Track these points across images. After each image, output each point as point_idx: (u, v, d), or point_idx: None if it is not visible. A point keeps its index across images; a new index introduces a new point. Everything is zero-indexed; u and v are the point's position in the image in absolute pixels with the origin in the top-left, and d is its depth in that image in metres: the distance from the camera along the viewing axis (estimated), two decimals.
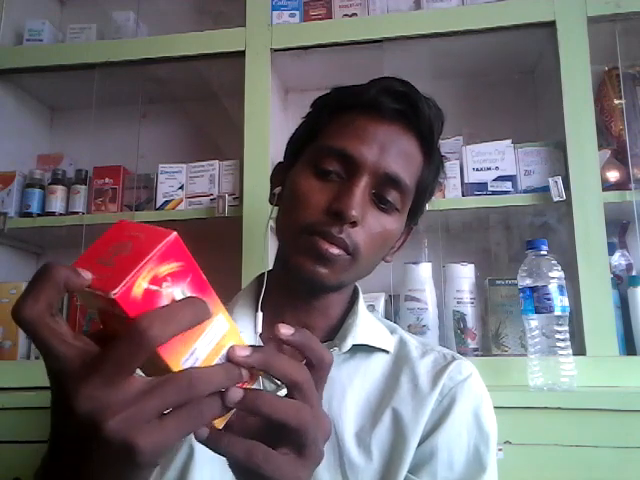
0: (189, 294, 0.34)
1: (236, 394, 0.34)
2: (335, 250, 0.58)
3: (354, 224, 0.58)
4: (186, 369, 0.32)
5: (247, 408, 0.35)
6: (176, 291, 0.33)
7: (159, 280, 0.32)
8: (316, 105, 0.69)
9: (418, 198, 0.66)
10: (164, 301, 0.32)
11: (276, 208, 0.68)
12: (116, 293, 0.30)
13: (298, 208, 0.60)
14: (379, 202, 0.61)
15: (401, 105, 0.61)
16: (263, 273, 0.70)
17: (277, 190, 0.68)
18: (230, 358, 0.35)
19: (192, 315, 0.32)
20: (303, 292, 0.64)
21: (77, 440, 0.31)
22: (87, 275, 0.31)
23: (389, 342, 0.68)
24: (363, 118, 0.62)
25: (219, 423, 0.36)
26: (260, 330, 0.64)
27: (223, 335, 0.35)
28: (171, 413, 0.31)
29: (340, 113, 0.64)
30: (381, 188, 0.61)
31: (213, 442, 0.35)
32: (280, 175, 0.69)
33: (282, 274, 0.66)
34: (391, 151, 0.61)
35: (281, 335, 0.37)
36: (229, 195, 1.18)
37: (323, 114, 0.65)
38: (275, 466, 0.36)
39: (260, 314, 0.65)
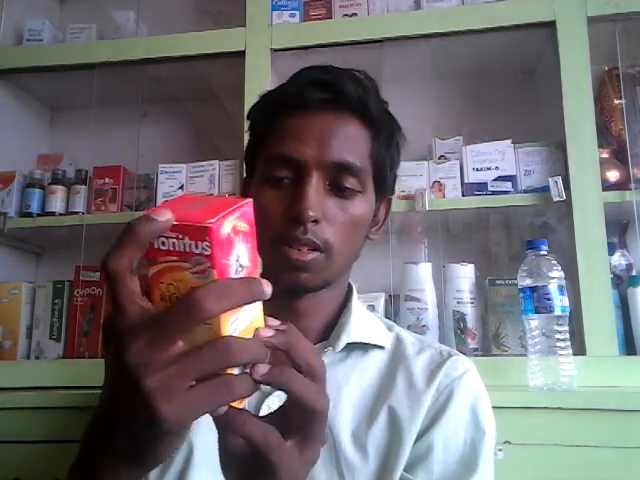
0: (247, 259, 0.37)
1: (263, 368, 0.36)
2: (306, 256, 0.58)
3: (316, 222, 0.58)
4: (225, 336, 0.34)
5: (272, 380, 0.36)
6: (242, 250, 0.36)
7: (237, 232, 0.35)
8: (251, 116, 0.69)
9: (378, 171, 0.65)
10: (234, 254, 0.35)
11: None
12: (212, 223, 0.33)
13: (263, 221, 0.60)
14: (338, 190, 0.61)
15: (326, 93, 0.61)
16: None
17: None
18: (256, 337, 0.37)
19: (247, 294, 0.35)
20: (291, 298, 0.64)
21: (119, 395, 0.34)
22: (166, 215, 0.33)
23: (385, 338, 0.67)
24: (294, 117, 0.62)
25: (238, 404, 0.37)
26: None
27: (255, 317, 0.38)
28: (202, 384, 0.33)
29: (274, 117, 0.64)
30: (334, 178, 0.61)
31: (231, 419, 0.36)
32: (247, 189, 0.69)
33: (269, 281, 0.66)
34: (331, 140, 0.60)
35: (260, 337, 0.37)
36: (229, 195, 1.18)
37: (258, 124, 0.66)
38: (283, 455, 0.37)
39: None
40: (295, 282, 0.59)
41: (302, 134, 0.61)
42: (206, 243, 0.33)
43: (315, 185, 0.59)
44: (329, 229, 0.59)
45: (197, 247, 0.33)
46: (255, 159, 0.66)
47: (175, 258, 0.34)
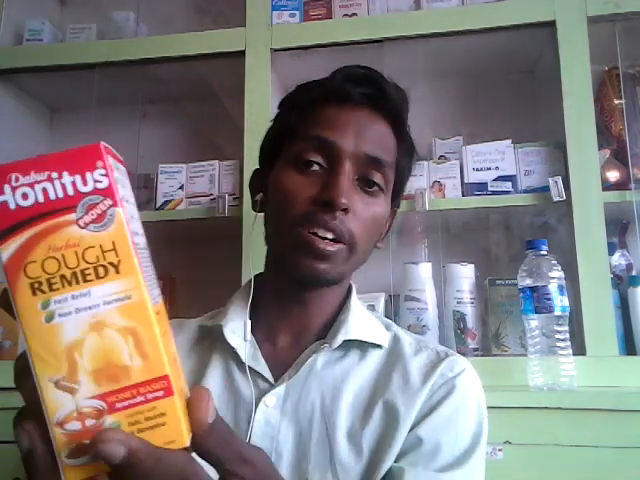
0: (132, 198, 0.29)
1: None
2: (332, 247, 0.59)
3: (345, 211, 0.59)
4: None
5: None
6: (125, 185, 0.28)
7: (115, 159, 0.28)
8: (284, 105, 0.70)
9: (397, 178, 0.67)
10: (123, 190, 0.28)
11: (261, 215, 0.68)
12: (98, 143, 0.25)
13: (286, 204, 0.61)
14: (365, 186, 0.62)
15: (367, 89, 0.63)
16: (258, 275, 0.70)
17: (259, 197, 0.68)
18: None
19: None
20: (302, 289, 0.64)
21: None
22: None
23: (383, 337, 0.67)
24: (333, 107, 0.63)
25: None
26: (249, 337, 0.64)
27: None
28: None
29: (310, 107, 0.64)
30: (364, 171, 0.62)
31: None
32: (259, 181, 0.69)
33: (276, 274, 0.67)
34: (366, 134, 0.62)
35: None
36: (229, 195, 1.18)
37: (293, 111, 0.66)
38: None
39: (248, 322, 0.65)
40: (314, 271, 0.59)
41: (340, 123, 0.62)
42: (100, 172, 0.24)
43: (347, 175, 0.60)
44: (354, 222, 0.60)
45: (86, 182, 0.24)
46: (278, 149, 0.66)
47: (50, 213, 0.24)
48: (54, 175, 0.24)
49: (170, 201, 1.23)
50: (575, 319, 1.01)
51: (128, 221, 0.25)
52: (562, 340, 0.94)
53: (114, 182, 0.24)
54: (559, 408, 0.89)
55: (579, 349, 0.99)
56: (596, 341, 0.98)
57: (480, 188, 1.13)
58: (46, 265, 0.24)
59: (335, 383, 0.62)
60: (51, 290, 0.25)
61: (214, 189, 1.22)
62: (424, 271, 1.12)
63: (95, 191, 0.24)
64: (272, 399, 0.61)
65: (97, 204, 0.24)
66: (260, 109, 1.17)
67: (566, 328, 0.95)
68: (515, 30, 1.15)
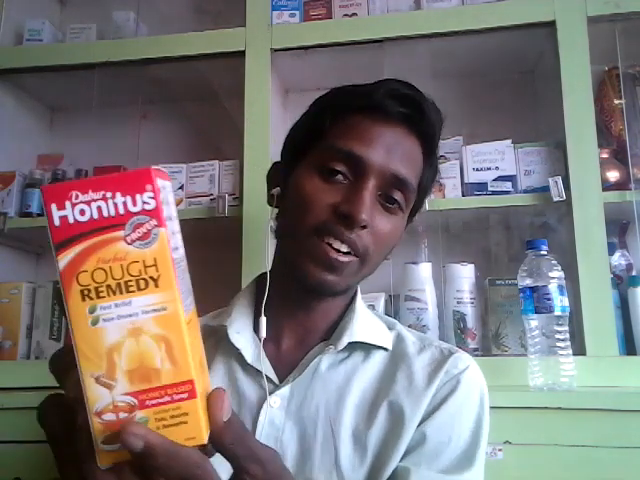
0: (176, 217, 0.32)
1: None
2: (344, 258, 0.59)
3: (364, 227, 0.59)
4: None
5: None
6: (171, 205, 0.31)
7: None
8: (318, 105, 0.68)
9: (418, 198, 0.67)
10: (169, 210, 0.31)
11: (275, 209, 0.68)
12: (148, 168, 0.27)
13: (304, 209, 0.60)
14: (386, 202, 0.62)
15: (407, 109, 0.62)
16: (262, 275, 0.69)
17: (276, 191, 0.67)
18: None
19: None
20: (307, 296, 0.64)
21: None
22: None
23: (387, 339, 0.67)
24: (369, 120, 0.62)
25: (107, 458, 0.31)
26: (264, 334, 0.63)
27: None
28: None
29: (345, 114, 0.63)
30: (387, 189, 0.62)
31: None
32: (278, 175, 0.69)
33: (283, 276, 0.65)
34: (397, 153, 0.61)
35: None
36: (229, 195, 1.18)
37: (326, 115, 0.65)
38: None
39: (264, 319, 0.64)
40: (323, 282, 0.59)
41: (373, 138, 0.61)
42: (148, 194, 0.27)
43: (371, 190, 0.60)
44: (371, 238, 0.60)
45: (135, 203, 0.27)
46: (304, 148, 0.65)
47: (102, 229, 0.27)
48: (108, 195, 0.27)
49: None
50: (575, 319, 1.01)
51: (170, 239, 0.29)
52: (562, 340, 0.94)
53: (160, 204, 0.27)
54: (559, 408, 0.89)
55: (579, 349, 0.99)
56: (596, 341, 0.98)
57: (480, 188, 1.13)
58: (95, 275, 0.27)
59: (339, 384, 0.62)
60: (98, 297, 0.28)
61: (214, 189, 1.21)
62: (424, 271, 1.12)
63: (143, 212, 0.27)
64: (277, 400, 0.61)
65: (144, 224, 0.27)
66: (260, 109, 1.16)
67: (566, 328, 0.95)
68: (515, 30, 1.14)
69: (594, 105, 1.08)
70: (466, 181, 1.14)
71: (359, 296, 0.70)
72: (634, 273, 1.16)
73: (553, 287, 0.95)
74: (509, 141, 1.15)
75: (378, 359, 0.66)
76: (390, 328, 0.70)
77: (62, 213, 0.27)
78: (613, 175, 1.11)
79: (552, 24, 1.11)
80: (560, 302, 0.95)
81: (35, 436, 1.02)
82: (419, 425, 0.60)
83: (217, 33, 1.25)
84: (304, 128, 0.68)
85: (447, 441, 0.59)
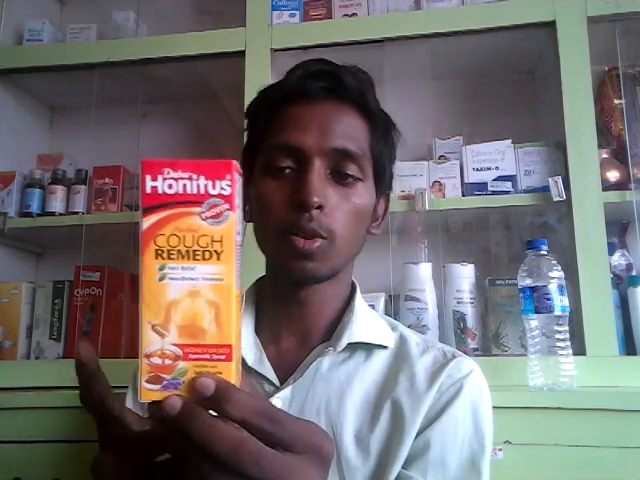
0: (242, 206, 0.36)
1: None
2: (312, 244, 0.59)
3: (320, 208, 0.59)
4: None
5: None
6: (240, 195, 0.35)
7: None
8: (249, 111, 0.70)
9: (377, 163, 0.66)
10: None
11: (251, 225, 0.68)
12: (231, 160, 0.32)
13: (266, 213, 0.61)
14: (339, 178, 0.62)
15: (325, 82, 0.62)
16: (260, 278, 0.71)
17: (247, 207, 0.67)
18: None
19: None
20: (297, 289, 0.64)
21: None
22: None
23: (389, 338, 0.67)
24: (295, 107, 0.63)
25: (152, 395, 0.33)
26: (252, 340, 0.66)
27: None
28: None
29: (273, 110, 0.64)
30: (336, 165, 0.61)
31: (185, 419, 0.31)
32: (244, 192, 0.69)
33: (273, 277, 0.67)
34: (331, 127, 0.61)
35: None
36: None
37: (259, 117, 0.66)
38: (269, 466, 0.31)
39: (251, 328, 0.67)
40: (303, 271, 0.59)
41: (303, 122, 0.61)
42: (226, 182, 0.32)
43: (317, 172, 0.60)
44: (332, 217, 0.60)
45: (215, 187, 0.32)
46: (254, 155, 0.66)
47: (183, 202, 0.32)
48: (194, 176, 0.32)
49: None
50: (575, 319, 1.01)
51: (236, 223, 0.33)
52: (562, 340, 0.94)
53: (235, 192, 0.32)
54: (559, 408, 0.89)
55: (579, 349, 0.99)
56: (596, 341, 0.98)
57: (480, 188, 1.13)
58: (170, 240, 0.32)
59: (341, 385, 0.62)
60: (169, 258, 0.32)
61: None
62: (424, 271, 1.12)
63: (219, 195, 0.32)
64: (278, 402, 0.60)
65: (218, 205, 0.32)
66: None
67: (566, 328, 0.95)
68: (515, 30, 1.15)
69: (594, 105, 1.08)
70: (466, 181, 1.14)
71: (358, 295, 0.69)
72: (634, 273, 1.16)
73: (553, 287, 0.95)
74: (509, 141, 1.15)
75: (380, 359, 0.65)
76: (393, 329, 0.70)
77: (154, 184, 0.32)
78: (613, 175, 1.11)
79: (552, 24, 1.11)
80: (560, 302, 0.95)
81: (35, 436, 1.02)
82: (422, 430, 0.60)
83: (217, 33, 1.25)
84: (248, 139, 0.69)
85: (452, 447, 0.59)
